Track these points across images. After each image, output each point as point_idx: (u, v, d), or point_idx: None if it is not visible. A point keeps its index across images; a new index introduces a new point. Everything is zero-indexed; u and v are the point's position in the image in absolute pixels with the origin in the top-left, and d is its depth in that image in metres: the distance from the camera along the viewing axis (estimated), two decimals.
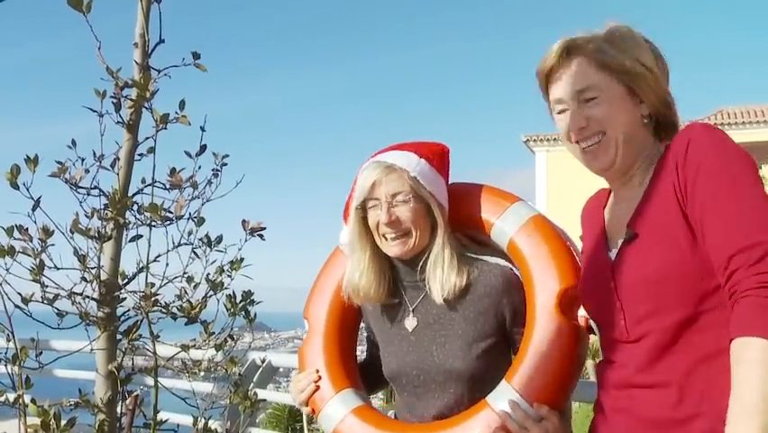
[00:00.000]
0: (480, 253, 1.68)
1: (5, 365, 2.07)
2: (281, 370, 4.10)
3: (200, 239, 2.22)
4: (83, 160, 2.09)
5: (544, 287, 1.54)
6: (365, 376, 1.79)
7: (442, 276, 1.61)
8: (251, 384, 3.16)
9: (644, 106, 1.39)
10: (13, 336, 2.10)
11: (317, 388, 1.70)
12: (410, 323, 1.68)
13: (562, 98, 1.40)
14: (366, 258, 1.68)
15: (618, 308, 1.33)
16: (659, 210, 1.29)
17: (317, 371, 1.72)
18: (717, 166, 1.24)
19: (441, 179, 1.69)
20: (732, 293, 1.17)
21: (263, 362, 3.25)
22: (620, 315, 1.33)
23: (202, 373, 2.67)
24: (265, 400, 2.65)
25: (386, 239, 1.64)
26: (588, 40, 1.38)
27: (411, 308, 1.69)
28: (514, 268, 1.64)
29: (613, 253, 1.38)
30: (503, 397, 1.50)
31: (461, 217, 1.68)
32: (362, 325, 1.87)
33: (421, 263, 1.66)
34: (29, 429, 2.03)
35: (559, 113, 1.42)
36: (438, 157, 1.70)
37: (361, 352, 1.91)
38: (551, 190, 19.42)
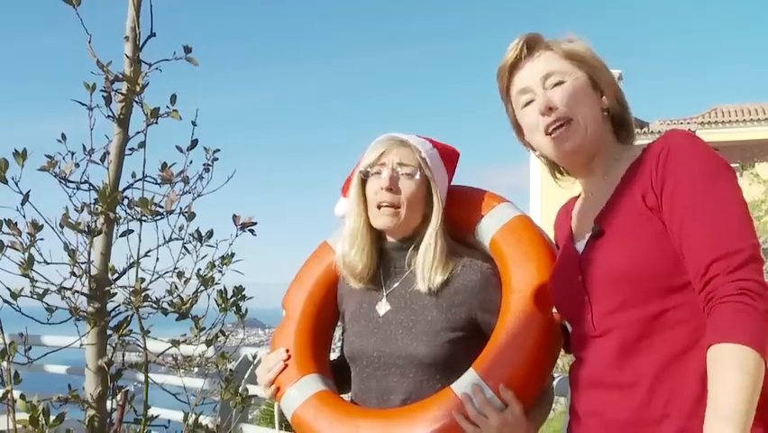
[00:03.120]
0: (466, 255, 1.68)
1: None
2: None
3: (191, 234, 2.21)
4: (73, 154, 2.08)
5: (521, 279, 1.54)
6: (337, 375, 1.78)
7: (430, 268, 1.61)
8: (243, 380, 3.15)
9: (604, 100, 1.42)
10: (2, 331, 2.08)
11: (285, 367, 1.70)
12: (382, 308, 1.67)
13: (527, 87, 1.43)
14: (360, 227, 1.68)
15: (586, 302, 1.33)
16: (629, 208, 1.30)
17: (287, 350, 1.72)
18: (698, 172, 1.24)
19: (446, 174, 1.70)
20: (709, 299, 1.16)
21: (255, 358, 3.24)
22: (587, 309, 1.33)
23: (196, 369, 2.66)
24: (256, 396, 2.64)
25: (378, 209, 1.64)
26: (543, 36, 1.44)
27: (386, 294, 1.69)
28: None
29: (580, 246, 1.38)
30: (467, 383, 1.49)
31: (449, 219, 1.69)
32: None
33: (411, 249, 1.65)
34: (18, 425, 2.02)
35: (525, 106, 1.44)
36: (448, 154, 1.72)
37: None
38: (545, 188, 19.46)
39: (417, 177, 1.62)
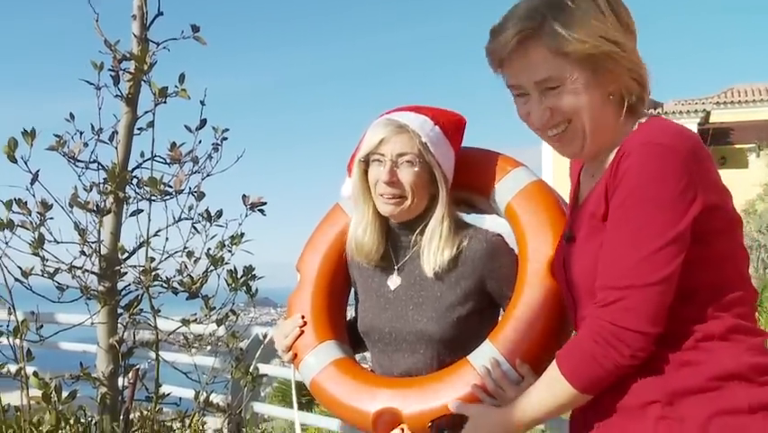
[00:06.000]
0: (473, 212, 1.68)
1: (7, 338, 2.09)
2: None
3: (200, 214, 2.22)
4: (81, 133, 2.08)
5: (537, 250, 1.53)
6: (352, 335, 1.80)
7: (436, 250, 1.60)
8: (254, 359, 3.17)
9: (611, 84, 1.26)
10: (14, 309, 2.10)
11: (302, 333, 1.70)
12: (393, 282, 1.68)
13: (519, 85, 1.30)
14: (369, 214, 1.67)
15: (571, 303, 1.36)
16: (590, 215, 1.29)
17: (303, 317, 1.72)
18: (630, 191, 1.19)
19: (451, 150, 1.66)
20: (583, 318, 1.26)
21: (266, 337, 3.25)
22: (572, 308, 1.36)
23: (208, 348, 2.68)
24: (267, 375, 2.66)
25: (382, 197, 1.63)
26: (540, 23, 1.23)
27: (396, 267, 1.69)
28: (503, 235, 1.63)
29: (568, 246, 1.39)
30: (484, 356, 1.50)
31: (463, 179, 1.67)
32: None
33: (418, 229, 1.65)
34: (31, 401, 2.05)
35: (517, 96, 1.32)
36: (453, 127, 1.68)
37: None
38: (557, 167, 19.36)
39: (417, 167, 1.60)
